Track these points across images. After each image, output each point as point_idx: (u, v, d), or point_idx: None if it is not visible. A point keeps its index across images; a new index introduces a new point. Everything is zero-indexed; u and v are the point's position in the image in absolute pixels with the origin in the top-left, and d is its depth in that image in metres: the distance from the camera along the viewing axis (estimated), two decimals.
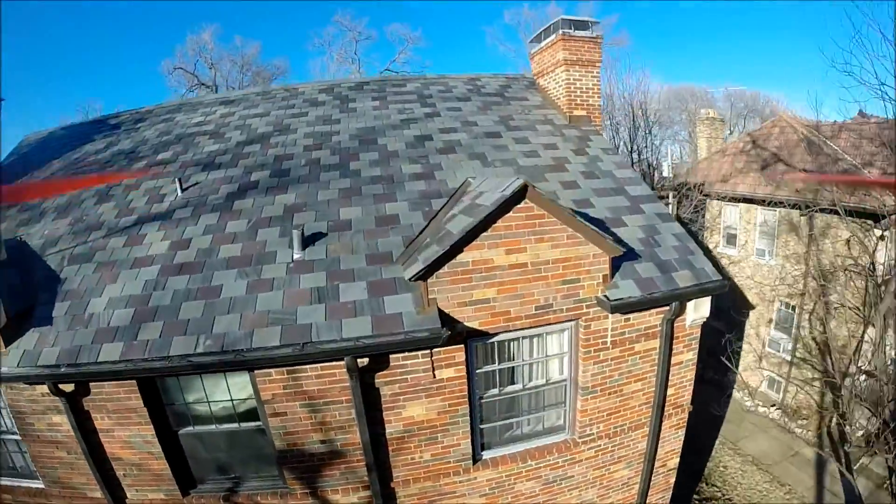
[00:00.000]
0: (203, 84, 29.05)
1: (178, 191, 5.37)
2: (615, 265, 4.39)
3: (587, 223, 4.11)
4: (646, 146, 16.61)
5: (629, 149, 16.73)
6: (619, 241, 4.52)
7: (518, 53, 37.37)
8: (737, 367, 15.75)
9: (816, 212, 11.55)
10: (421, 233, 4.48)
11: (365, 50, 41.39)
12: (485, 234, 3.89)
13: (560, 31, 6.60)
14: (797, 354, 13.48)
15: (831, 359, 11.48)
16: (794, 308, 13.33)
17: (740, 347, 15.29)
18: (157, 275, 4.27)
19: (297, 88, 7.36)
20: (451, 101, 6.91)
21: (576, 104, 6.81)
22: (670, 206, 16.71)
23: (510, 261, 4.03)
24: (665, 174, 19.38)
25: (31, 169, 6.66)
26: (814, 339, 12.84)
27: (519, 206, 3.89)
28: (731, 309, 14.10)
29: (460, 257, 3.90)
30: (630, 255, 4.54)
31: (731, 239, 14.50)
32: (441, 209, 4.78)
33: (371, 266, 4.23)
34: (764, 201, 12.73)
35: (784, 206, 12.45)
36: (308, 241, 4.44)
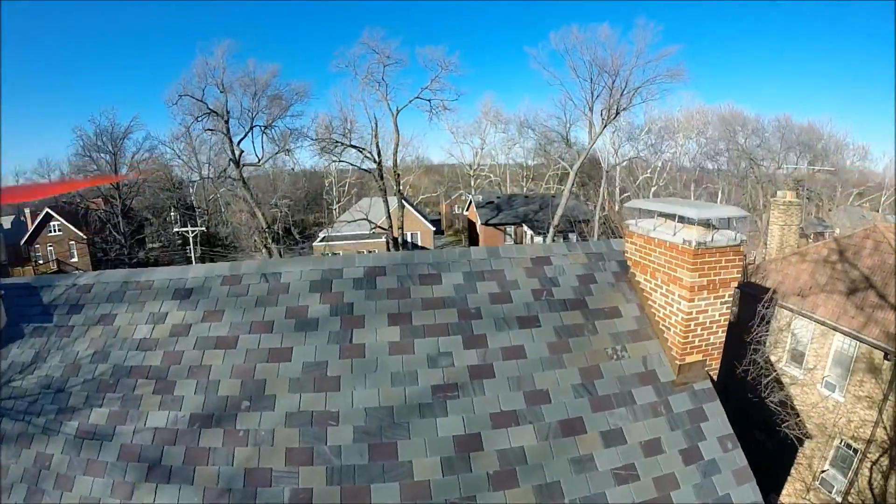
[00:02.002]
0: (213, 111, 26.19)
1: None
2: None
3: None
4: None
5: None
6: None
7: (564, 82, 33.49)
8: (780, 491, 14.06)
9: None
10: None
11: (395, 74, 37.90)
12: None
13: (692, 242, 4.31)
14: (849, 500, 11.91)
15: None
16: (856, 451, 11.53)
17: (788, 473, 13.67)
18: None
19: (278, 274, 5.11)
20: (510, 327, 4.70)
21: (692, 346, 4.65)
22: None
23: None
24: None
25: None
26: (872, 490, 11.39)
27: None
28: (782, 427, 12.21)
29: None
30: None
31: (797, 357, 12.39)
32: None
33: None
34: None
35: (868, 345, 10.39)
36: None
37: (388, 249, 29.87)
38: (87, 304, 5.25)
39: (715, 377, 4.86)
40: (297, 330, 4.64)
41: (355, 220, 29.94)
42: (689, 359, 4.66)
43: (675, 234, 4.44)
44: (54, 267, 43.00)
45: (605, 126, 30.31)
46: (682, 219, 4.57)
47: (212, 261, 28.12)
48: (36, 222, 43.11)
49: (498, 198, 43.35)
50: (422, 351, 4.48)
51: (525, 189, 62.41)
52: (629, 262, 5.44)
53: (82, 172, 46.95)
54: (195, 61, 27.46)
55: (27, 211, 47.09)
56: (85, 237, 41.59)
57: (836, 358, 11.50)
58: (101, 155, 44.84)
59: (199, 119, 26.77)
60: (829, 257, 11.77)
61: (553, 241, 32.16)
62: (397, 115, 27.84)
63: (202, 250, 30.89)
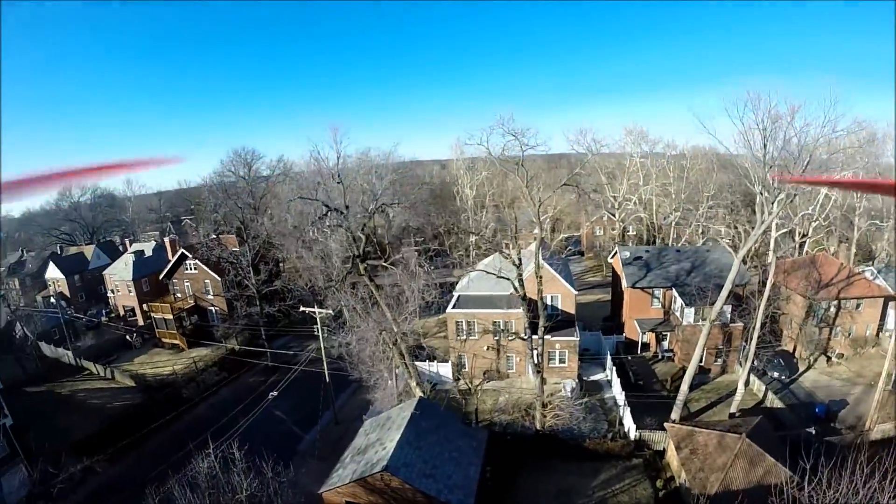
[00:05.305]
0: (331, 209, 24.76)
1: None
2: None
3: None
4: None
5: None
6: None
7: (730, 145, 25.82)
8: None
9: None
10: None
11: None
12: None
13: None
14: None
15: None
16: None
17: None
18: None
19: None
20: None
21: None
22: None
23: None
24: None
25: None
26: None
27: None
28: None
29: None
30: None
31: None
32: None
33: None
34: None
35: None
36: None
37: (526, 315, 27.43)
38: None
39: None
40: None
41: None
42: None
43: None
44: (191, 302, 46.86)
45: (779, 210, 24.44)
46: None
47: (339, 351, 28.05)
48: (174, 258, 46.71)
49: (647, 251, 38.16)
50: None
51: (672, 218, 56.47)
52: None
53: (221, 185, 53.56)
54: (308, 160, 26.10)
55: (167, 240, 51.20)
56: (220, 279, 44.39)
57: None
58: (240, 169, 52.28)
59: (314, 223, 25.82)
60: None
61: (711, 323, 27.09)
62: (539, 207, 24.47)
63: (328, 331, 30.93)
